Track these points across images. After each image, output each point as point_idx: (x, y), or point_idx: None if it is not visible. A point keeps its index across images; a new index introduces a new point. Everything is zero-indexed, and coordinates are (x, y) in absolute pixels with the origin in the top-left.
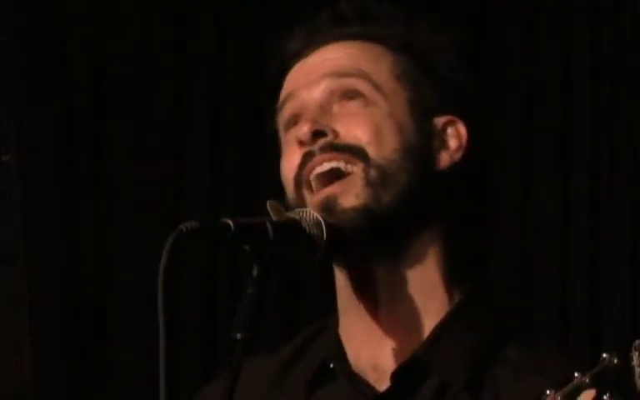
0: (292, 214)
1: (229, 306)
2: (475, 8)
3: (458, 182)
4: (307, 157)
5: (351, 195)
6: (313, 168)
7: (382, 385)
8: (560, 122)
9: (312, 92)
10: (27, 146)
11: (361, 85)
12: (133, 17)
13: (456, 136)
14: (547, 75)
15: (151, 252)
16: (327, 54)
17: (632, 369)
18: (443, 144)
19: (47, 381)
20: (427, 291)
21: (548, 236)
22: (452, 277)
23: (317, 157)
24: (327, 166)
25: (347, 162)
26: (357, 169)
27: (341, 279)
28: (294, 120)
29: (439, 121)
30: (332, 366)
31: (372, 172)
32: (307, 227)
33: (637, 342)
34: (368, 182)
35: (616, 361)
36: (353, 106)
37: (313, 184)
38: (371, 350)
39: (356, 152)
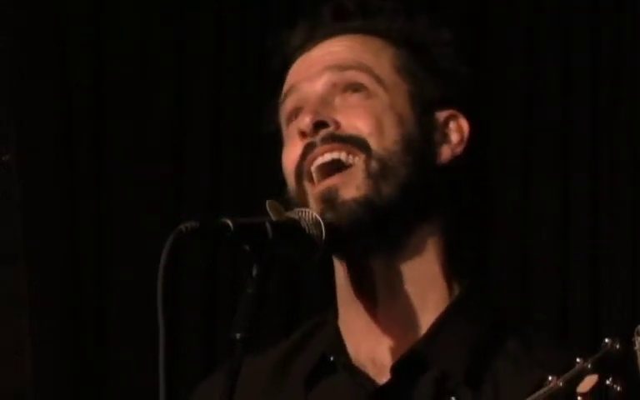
0: (292, 214)
1: (229, 306)
2: (475, 8)
3: (459, 176)
4: (308, 149)
5: (352, 187)
6: (314, 159)
7: (382, 378)
8: (560, 122)
9: (313, 85)
10: (27, 146)
11: (362, 78)
12: (133, 17)
13: (457, 130)
14: (547, 75)
15: (151, 252)
16: (329, 48)
17: (634, 354)
18: (445, 138)
19: (47, 381)
20: (427, 283)
21: (548, 236)
22: (452, 270)
23: (319, 148)
24: (328, 156)
25: (348, 154)
26: (358, 161)
27: (340, 273)
28: (296, 112)
29: (441, 115)
30: (332, 359)
31: (373, 164)
32: (306, 227)
33: (639, 327)
34: (369, 174)
35: (618, 346)
36: (355, 98)
37: (314, 176)
38: (370, 343)
39: (357, 143)
